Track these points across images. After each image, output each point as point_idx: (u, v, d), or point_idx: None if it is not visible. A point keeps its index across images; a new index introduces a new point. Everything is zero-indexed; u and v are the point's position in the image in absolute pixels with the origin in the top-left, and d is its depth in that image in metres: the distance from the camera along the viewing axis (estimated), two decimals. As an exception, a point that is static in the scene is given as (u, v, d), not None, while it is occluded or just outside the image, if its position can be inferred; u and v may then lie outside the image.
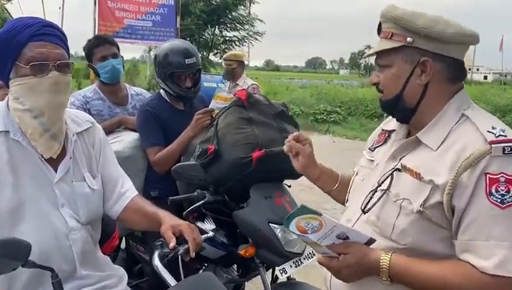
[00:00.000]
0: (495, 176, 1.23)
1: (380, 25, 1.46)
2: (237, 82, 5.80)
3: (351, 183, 1.69)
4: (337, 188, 1.79)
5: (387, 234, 1.39)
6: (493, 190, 1.23)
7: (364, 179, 1.59)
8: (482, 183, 1.24)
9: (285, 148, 1.76)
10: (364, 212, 1.44)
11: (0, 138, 1.54)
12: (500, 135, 1.27)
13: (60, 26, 1.65)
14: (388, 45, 1.41)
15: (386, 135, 1.62)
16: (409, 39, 1.37)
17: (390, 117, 1.66)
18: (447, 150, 1.33)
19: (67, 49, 1.59)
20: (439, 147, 1.36)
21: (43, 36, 1.52)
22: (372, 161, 1.60)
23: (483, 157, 1.24)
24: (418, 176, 1.35)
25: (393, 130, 1.60)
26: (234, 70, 5.86)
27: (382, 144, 1.62)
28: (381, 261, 1.33)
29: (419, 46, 1.37)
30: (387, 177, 1.42)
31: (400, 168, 1.41)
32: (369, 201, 1.44)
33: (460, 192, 1.26)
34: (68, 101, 1.66)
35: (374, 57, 1.49)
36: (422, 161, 1.37)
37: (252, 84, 5.79)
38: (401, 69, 1.41)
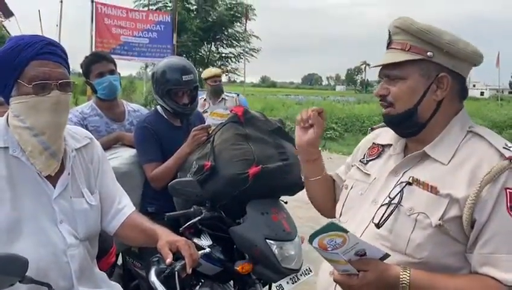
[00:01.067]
0: None
1: (390, 35, 1.45)
2: (222, 97, 5.86)
3: (344, 198, 1.65)
4: (319, 179, 1.78)
5: (401, 248, 1.37)
6: None
7: (362, 193, 1.57)
8: (502, 198, 1.26)
9: (300, 115, 1.67)
10: (378, 226, 1.42)
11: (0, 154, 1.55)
12: None
13: (58, 43, 1.66)
14: (405, 56, 1.39)
15: (380, 149, 1.62)
16: (429, 53, 1.37)
17: (380, 130, 1.66)
18: (460, 164, 1.34)
19: (68, 67, 1.61)
20: (449, 161, 1.37)
21: (45, 55, 1.53)
22: (368, 174, 1.59)
23: (502, 172, 1.27)
24: (434, 189, 1.35)
25: (388, 145, 1.59)
26: (220, 86, 5.92)
27: (376, 158, 1.61)
28: (401, 277, 1.31)
29: (438, 62, 1.37)
30: (399, 191, 1.41)
31: (411, 181, 1.41)
32: (382, 215, 1.41)
33: (481, 206, 1.27)
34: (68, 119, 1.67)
35: (373, 69, 1.49)
36: (435, 175, 1.37)
37: (238, 95, 6.07)
38: (417, 83, 1.40)
